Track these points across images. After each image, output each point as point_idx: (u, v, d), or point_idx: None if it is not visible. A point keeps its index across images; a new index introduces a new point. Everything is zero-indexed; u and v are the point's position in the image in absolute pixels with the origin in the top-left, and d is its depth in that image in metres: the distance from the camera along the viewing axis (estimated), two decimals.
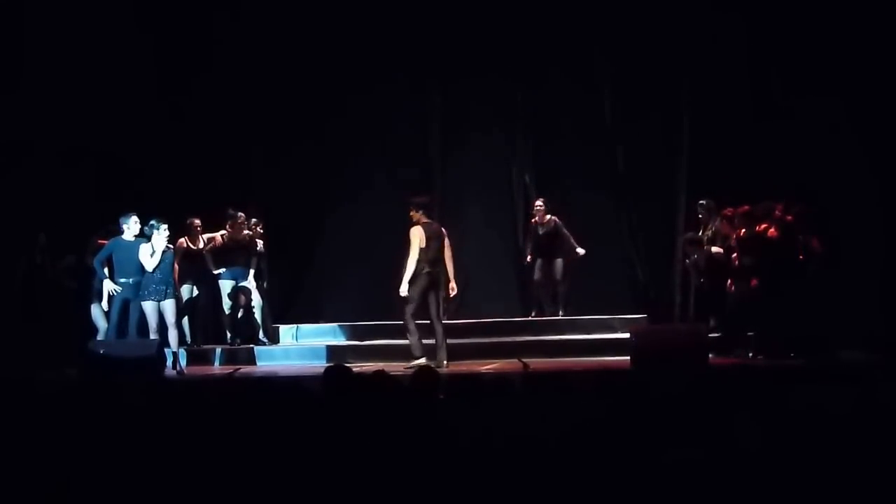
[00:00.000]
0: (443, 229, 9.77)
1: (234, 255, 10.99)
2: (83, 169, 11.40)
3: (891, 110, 10.68)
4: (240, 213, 11.09)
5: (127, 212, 9.91)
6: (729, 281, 9.86)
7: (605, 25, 12.15)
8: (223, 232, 11.05)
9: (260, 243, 11.23)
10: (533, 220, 11.85)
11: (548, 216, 11.64)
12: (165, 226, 9.77)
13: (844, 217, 10.16)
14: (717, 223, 10.21)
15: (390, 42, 12.44)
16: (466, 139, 12.66)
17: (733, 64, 11.61)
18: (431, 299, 9.56)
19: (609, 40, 12.18)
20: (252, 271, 11.08)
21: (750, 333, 9.65)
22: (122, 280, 9.84)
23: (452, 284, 9.71)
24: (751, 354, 9.41)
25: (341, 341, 11.40)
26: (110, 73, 11.62)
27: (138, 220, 9.85)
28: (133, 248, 9.80)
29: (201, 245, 11.02)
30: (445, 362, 9.45)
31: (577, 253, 11.57)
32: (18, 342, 9.84)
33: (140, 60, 12.01)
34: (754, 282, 9.51)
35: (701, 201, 10.59)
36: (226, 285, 11.02)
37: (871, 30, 10.77)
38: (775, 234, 9.42)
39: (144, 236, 9.83)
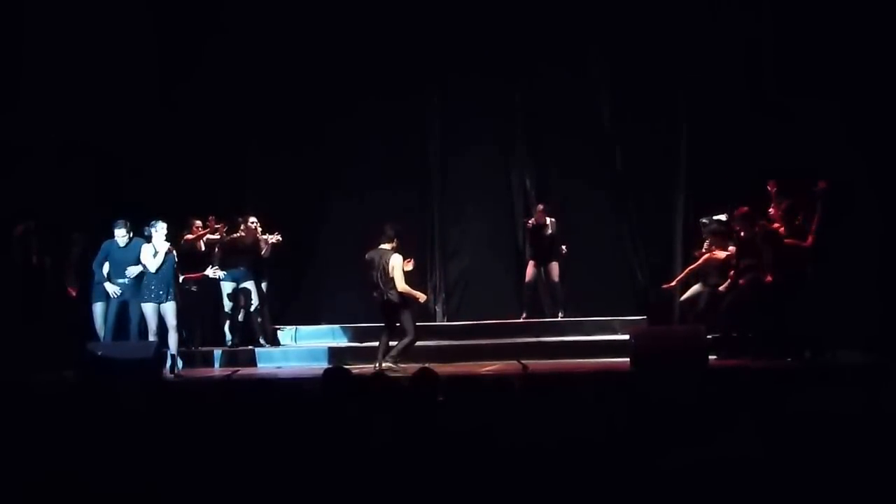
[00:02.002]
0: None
1: (238, 257, 11.00)
2: (81, 168, 11.39)
3: (888, 112, 10.67)
4: (252, 218, 11.12)
5: (119, 218, 9.91)
6: (727, 283, 9.85)
7: (602, 27, 12.16)
8: (238, 235, 11.07)
9: (265, 246, 11.19)
10: (530, 223, 11.80)
11: (548, 219, 11.62)
12: (165, 225, 9.75)
13: (842, 218, 10.14)
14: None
15: (388, 45, 12.44)
16: (465, 141, 12.66)
17: (731, 65, 11.60)
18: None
19: (607, 42, 12.19)
20: (253, 274, 11.09)
21: (749, 335, 9.64)
22: (119, 281, 9.85)
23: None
24: (750, 356, 9.39)
25: (340, 343, 11.39)
26: (110, 73, 11.60)
27: (127, 231, 9.83)
28: (129, 249, 9.80)
29: (201, 245, 10.99)
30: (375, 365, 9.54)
31: (561, 250, 11.58)
32: (17, 343, 9.80)
33: (140, 61, 12.00)
34: (755, 284, 9.49)
35: (703, 220, 10.53)
36: (226, 287, 11.02)
37: (868, 32, 10.76)
38: (772, 235, 9.42)
39: (144, 236, 9.82)
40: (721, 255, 10.01)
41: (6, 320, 10.01)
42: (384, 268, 9.51)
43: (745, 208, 9.65)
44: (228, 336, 11.14)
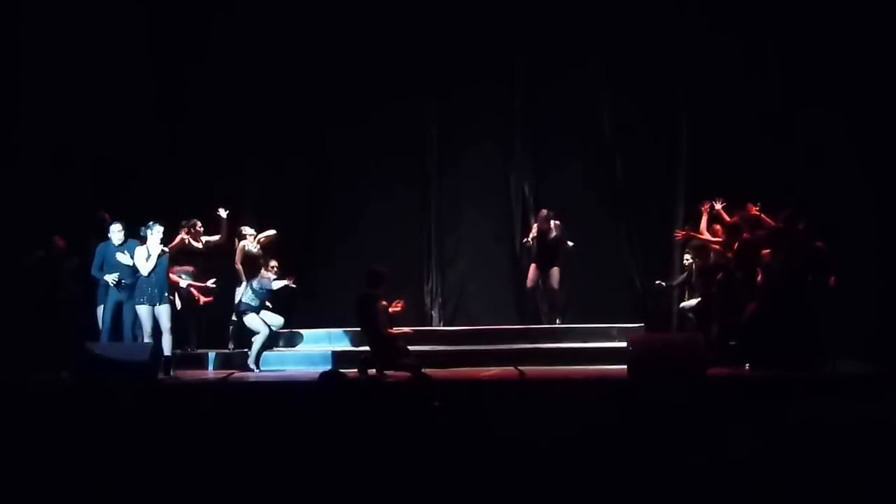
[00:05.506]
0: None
1: (253, 265, 10.99)
2: (79, 172, 11.38)
3: (888, 121, 10.68)
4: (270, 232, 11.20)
5: (112, 220, 9.90)
6: (721, 292, 9.84)
7: (603, 35, 12.15)
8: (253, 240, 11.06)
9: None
10: (533, 235, 11.72)
11: (552, 223, 11.56)
12: (161, 228, 9.74)
13: (843, 227, 10.14)
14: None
15: (387, 52, 12.46)
16: (464, 148, 12.66)
17: (732, 74, 11.60)
18: None
19: (607, 49, 12.18)
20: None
21: (747, 344, 9.62)
22: (110, 277, 9.81)
23: None
24: (748, 365, 9.36)
25: (337, 347, 11.34)
26: (107, 77, 11.60)
27: (122, 229, 9.82)
28: (124, 249, 9.78)
29: (200, 246, 10.96)
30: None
31: (567, 246, 11.52)
32: (16, 345, 9.78)
33: (137, 63, 12.00)
34: (750, 293, 9.48)
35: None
36: (236, 292, 10.99)
37: (869, 41, 10.77)
38: (765, 243, 9.40)
39: (140, 238, 9.80)
40: (714, 240, 10.01)
41: (5, 322, 10.00)
42: (366, 311, 9.48)
43: (755, 209, 9.60)
44: (231, 342, 11.09)
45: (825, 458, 3.71)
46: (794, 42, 11.33)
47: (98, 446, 4.17)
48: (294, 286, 10.88)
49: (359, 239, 12.40)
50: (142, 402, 5.34)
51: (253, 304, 10.46)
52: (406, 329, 9.72)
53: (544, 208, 11.75)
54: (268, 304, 10.66)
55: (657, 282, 11.30)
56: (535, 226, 11.68)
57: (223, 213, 11.11)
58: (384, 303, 9.57)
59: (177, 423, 4.51)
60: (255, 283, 10.52)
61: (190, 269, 10.73)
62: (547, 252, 11.53)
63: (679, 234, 10.69)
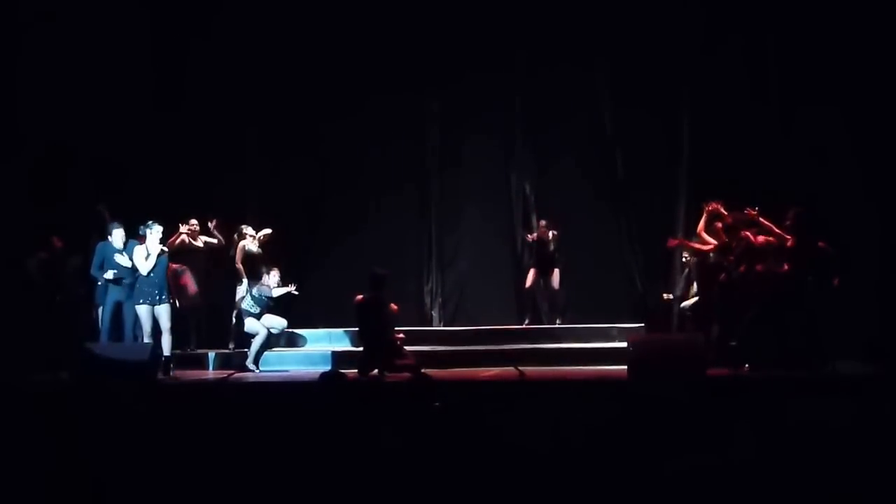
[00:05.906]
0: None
1: (253, 264, 10.99)
2: (79, 171, 11.39)
3: (889, 121, 10.68)
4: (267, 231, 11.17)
5: (112, 221, 9.91)
6: (721, 292, 9.84)
7: (604, 33, 12.17)
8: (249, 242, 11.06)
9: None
10: (530, 237, 11.87)
11: (550, 233, 11.66)
12: (160, 228, 9.74)
13: (842, 226, 10.13)
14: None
15: (388, 48, 12.47)
16: (464, 145, 12.66)
17: (733, 72, 11.61)
18: None
19: (608, 48, 12.19)
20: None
21: (747, 344, 9.61)
22: (108, 276, 9.81)
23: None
24: (748, 365, 9.35)
25: (337, 347, 11.35)
26: (106, 78, 11.61)
27: (122, 232, 9.81)
28: (122, 252, 9.79)
29: (200, 245, 10.96)
30: None
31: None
32: (16, 345, 9.78)
33: (136, 64, 12.01)
34: (750, 293, 9.48)
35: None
36: (240, 292, 11.00)
37: (868, 40, 10.78)
38: (762, 243, 9.39)
39: (140, 237, 9.80)
40: (708, 245, 10.01)
41: (6, 322, 10.01)
42: (377, 314, 9.41)
43: (753, 213, 9.61)
44: (232, 343, 11.09)
45: (825, 458, 3.70)
46: (794, 41, 11.34)
47: (98, 446, 4.17)
48: (297, 293, 10.86)
49: (358, 238, 12.40)
50: (141, 402, 5.33)
51: (252, 311, 10.45)
52: (400, 334, 9.71)
53: (544, 220, 11.82)
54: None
55: (664, 295, 11.32)
56: (536, 234, 11.82)
57: (211, 224, 11.08)
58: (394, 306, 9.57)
59: (176, 424, 4.50)
60: (254, 291, 10.50)
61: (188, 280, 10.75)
62: (545, 259, 11.66)
63: (671, 243, 10.75)
